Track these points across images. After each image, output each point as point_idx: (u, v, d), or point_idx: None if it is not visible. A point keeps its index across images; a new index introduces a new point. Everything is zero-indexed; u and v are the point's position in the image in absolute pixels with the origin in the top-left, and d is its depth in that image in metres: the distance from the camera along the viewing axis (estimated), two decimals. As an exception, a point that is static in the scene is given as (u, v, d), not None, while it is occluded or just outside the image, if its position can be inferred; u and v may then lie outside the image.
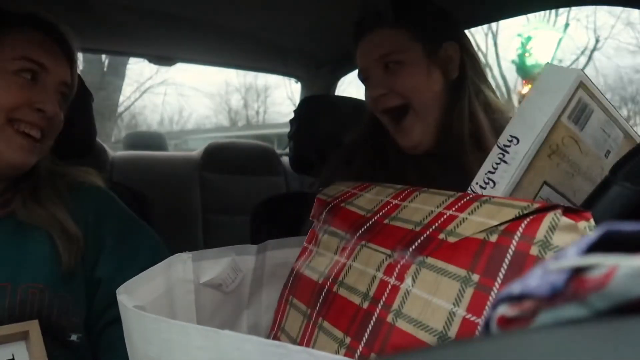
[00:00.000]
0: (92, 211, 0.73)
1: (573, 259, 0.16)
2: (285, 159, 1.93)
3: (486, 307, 0.33)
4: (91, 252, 0.70)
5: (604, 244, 0.16)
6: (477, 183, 0.47)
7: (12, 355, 0.56)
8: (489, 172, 0.47)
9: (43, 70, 0.69)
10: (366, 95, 0.80)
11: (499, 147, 0.47)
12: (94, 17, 1.35)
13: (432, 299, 0.37)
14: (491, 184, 0.46)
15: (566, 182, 0.48)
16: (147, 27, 1.48)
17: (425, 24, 0.76)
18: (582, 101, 0.47)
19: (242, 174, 1.92)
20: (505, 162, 0.46)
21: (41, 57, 0.69)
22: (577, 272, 0.16)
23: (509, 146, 0.46)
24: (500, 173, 0.46)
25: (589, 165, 0.49)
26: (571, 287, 0.16)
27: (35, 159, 0.69)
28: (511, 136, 0.46)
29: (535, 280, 0.18)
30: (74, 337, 0.66)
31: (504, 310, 0.19)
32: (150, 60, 1.74)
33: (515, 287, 0.19)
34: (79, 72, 0.84)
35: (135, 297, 0.43)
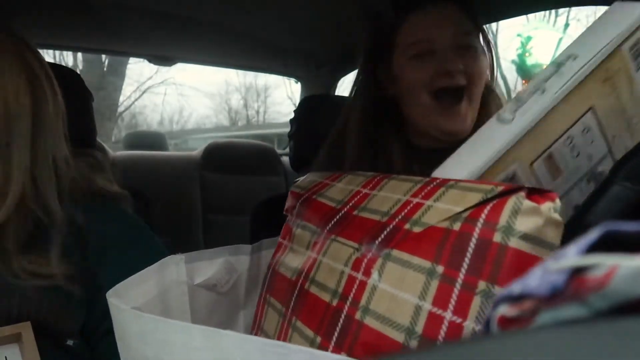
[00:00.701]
0: (97, 218, 0.71)
1: (573, 258, 0.16)
2: (286, 159, 1.93)
3: (451, 300, 0.32)
4: (94, 259, 0.69)
5: (604, 244, 0.16)
6: (526, 90, 0.46)
7: (5, 358, 0.55)
8: (542, 80, 0.46)
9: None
10: (420, 70, 0.72)
11: (555, 63, 0.46)
12: (94, 17, 1.35)
13: (398, 293, 0.35)
14: (540, 91, 0.45)
15: (610, 118, 0.48)
16: (147, 27, 1.48)
17: (476, 10, 0.75)
18: None
19: (242, 174, 1.92)
20: (559, 74, 0.45)
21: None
22: (577, 272, 0.16)
23: (564, 63, 0.46)
24: (552, 81, 0.45)
25: (633, 114, 0.49)
26: (571, 287, 0.16)
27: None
28: (568, 54, 0.46)
29: (535, 280, 0.18)
30: (70, 342, 0.66)
31: (504, 310, 0.19)
32: (150, 60, 1.75)
33: (515, 287, 0.19)
34: (78, 72, 0.83)
35: (126, 300, 0.43)
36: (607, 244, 0.16)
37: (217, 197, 1.87)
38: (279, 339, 0.47)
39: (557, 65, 0.46)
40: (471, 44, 0.72)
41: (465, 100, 0.71)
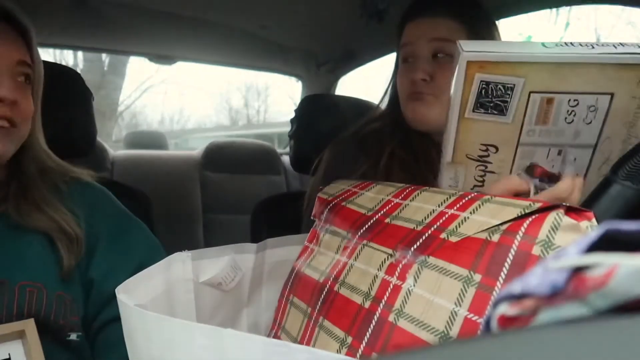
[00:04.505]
0: (85, 208, 0.71)
1: (573, 257, 0.17)
2: (286, 158, 1.93)
3: (488, 307, 0.33)
4: (84, 251, 0.69)
5: (604, 243, 0.16)
6: None
7: (9, 355, 0.55)
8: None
9: None
10: (402, 75, 0.81)
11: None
12: (94, 16, 1.35)
13: (433, 298, 0.37)
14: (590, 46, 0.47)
15: (617, 119, 0.49)
16: (148, 26, 1.48)
17: (481, 27, 0.79)
18: None
19: (242, 173, 1.93)
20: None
21: None
22: (577, 271, 0.16)
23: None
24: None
25: (636, 133, 0.50)
26: (571, 286, 0.16)
27: (12, 146, 0.65)
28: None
29: (535, 278, 0.18)
30: (73, 336, 0.66)
31: (505, 309, 0.19)
32: (151, 59, 1.75)
33: (516, 286, 0.19)
34: (79, 71, 0.83)
35: (134, 296, 0.43)
36: (608, 243, 0.16)
37: (217, 196, 1.87)
38: (303, 337, 0.49)
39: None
40: (449, 52, 0.76)
41: (432, 97, 0.77)
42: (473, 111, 0.51)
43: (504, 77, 0.48)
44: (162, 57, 1.75)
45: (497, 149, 0.53)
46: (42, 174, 0.71)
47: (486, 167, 0.55)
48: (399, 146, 0.80)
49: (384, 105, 0.91)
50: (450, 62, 0.75)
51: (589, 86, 0.47)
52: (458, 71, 0.50)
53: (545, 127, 0.50)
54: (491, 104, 0.50)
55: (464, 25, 0.77)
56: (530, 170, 0.54)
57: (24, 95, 0.66)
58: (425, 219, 0.43)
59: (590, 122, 0.49)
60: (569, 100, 0.48)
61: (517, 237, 0.34)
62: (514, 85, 0.48)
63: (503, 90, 0.49)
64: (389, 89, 0.88)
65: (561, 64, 0.46)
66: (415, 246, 0.41)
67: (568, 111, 0.49)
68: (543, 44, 0.48)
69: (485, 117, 0.51)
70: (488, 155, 0.54)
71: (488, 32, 0.81)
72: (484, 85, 0.49)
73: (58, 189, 0.71)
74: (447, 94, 0.76)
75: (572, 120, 0.49)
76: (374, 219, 0.49)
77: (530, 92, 0.48)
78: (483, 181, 0.56)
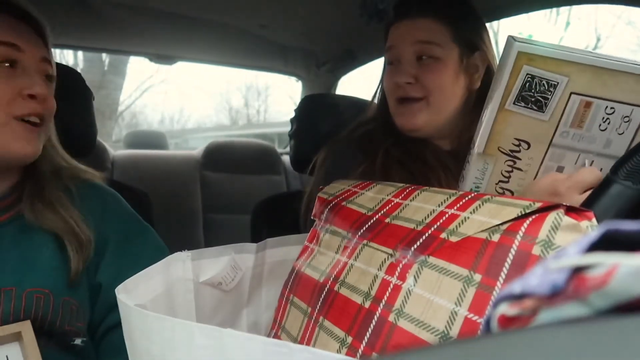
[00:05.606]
0: (96, 211, 0.71)
1: (574, 257, 0.17)
2: (286, 158, 1.93)
3: (488, 307, 0.33)
4: (94, 255, 0.68)
5: (604, 243, 0.16)
6: None
7: (6, 357, 0.55)
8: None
9: (19, 52, 0.63)
10: (387, 78, 0.80)
11: None
12: (94, 16, 1.35)
13: (434, 298, 0.37)
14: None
15: None
16: (148, 26, 1.48)
17: (467, 29, 0.78)
18: None
19: (242, 173, 1.93)
20: None
21: (12, 38, 0.63)
22: (577, 271, 0.16)
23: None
24: None
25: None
26: (572, 286, 0.16)
27: (40, 146, 0.66)
28: None
29: (535, 278, 0.18)
30: (77, 341, 0.65)
31: (505, 309, 0.19)
32: (151, 59, 1.75)
33: (516, 286, 0.19)
34: (79, 71, 0.82)
35: (134, 296, 0.43)
36: (608, 243, 0.16)
37: (217, 196, 1.87)
38: (303, 337, 0.49)
39: None
40: (438, 56, 0.76)
41: (421, 103, 0.76)
42: (514, 103, 0.52)
43: (549, 74, 0.49)
44: (162, 57, 1.75)
45: (529, 145, 0.54)
46: (56, 175, 0.71)
47: (515, 162, 0.56)
48: (392, 145, 0.80)
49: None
50: (434, 64, 0.75)
51: (628, 96, 0.48)
52: (506, 62, 0.51)
53: (579, 131, 0.51)
54: (532, 99, 0.51)
55: (449, 27, 0.76)
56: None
57: (50, 91, 0.67)
58: (425, 219, 0.43)
59: (623, 133, 0.50)
60: (606, 107, 0.49)
61: (517, 237, 0.34)
62: (558, 82, 0.49)
63: (546, 86, 0.50)
64: (378, 91, 0.88)
65: (604, 69, 0.48)
66: (415, 246, 0.41)
67: (603, 118, 0.50)
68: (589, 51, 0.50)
69: (524, 111, 0.52)
70: (519, 151, 0.55)
71: (476, 34, 0.80)
72: (529, 79, 0.50)
73: (69, 191, 0.70)
74: (434, 95, 0.76)
75: (606, 128, 0.51)
76: (374, 218, 0.49)
77: (571, 93, 0.49)
78: (509, 177, 0.57)
